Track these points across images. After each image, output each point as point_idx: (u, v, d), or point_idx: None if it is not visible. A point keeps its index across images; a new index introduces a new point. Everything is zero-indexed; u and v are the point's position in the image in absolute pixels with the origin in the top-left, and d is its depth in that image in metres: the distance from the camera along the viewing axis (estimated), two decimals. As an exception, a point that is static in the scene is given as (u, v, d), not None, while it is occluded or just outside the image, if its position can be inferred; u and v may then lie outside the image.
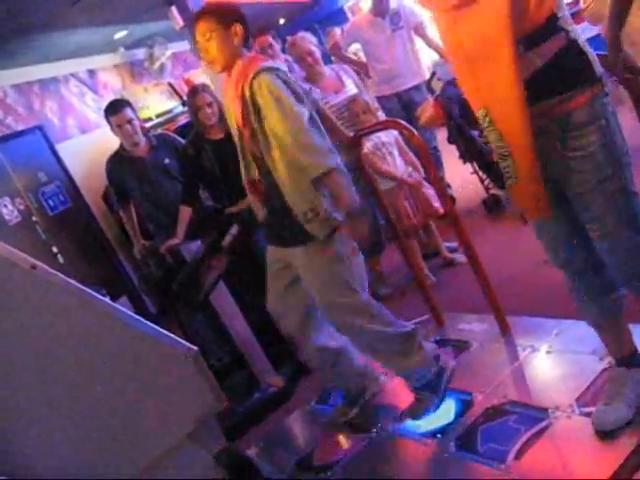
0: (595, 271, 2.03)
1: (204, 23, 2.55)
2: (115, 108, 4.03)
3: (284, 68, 2.62)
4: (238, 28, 2.57)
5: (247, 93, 2.49)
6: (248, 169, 2.70)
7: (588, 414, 2.19)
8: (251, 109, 2.50)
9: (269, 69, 2.50)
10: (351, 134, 3.43)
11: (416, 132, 3.08)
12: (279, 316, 2.86)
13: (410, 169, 4.22)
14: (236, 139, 2.70)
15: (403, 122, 3.18)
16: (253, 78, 2.46)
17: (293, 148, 2.43)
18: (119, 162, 4.15)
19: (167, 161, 4.13)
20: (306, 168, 2.44)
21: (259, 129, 2.51)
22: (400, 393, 2.90)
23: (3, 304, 1.38)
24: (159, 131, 4.78)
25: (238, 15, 2.60)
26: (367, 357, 2.93)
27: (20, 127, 5.79)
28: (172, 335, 1.50)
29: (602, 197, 1.83)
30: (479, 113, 1.83)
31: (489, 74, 1.73)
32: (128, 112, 4.01)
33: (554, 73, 1.75)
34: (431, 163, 3.19)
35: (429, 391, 2.70)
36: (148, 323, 1.46)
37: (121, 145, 4.15)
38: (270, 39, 4.18)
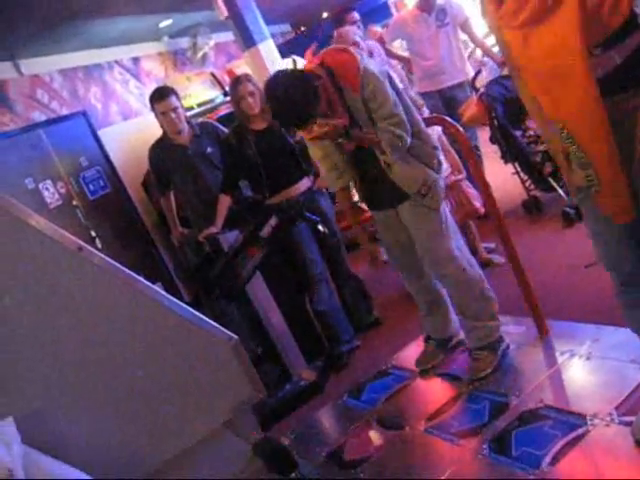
0: None
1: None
2: (161, 95, 4.04)
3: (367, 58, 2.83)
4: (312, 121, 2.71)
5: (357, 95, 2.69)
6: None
7: (628, 423, 2.15)
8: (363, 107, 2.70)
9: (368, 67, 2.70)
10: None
11: (461, 129, 3.04)
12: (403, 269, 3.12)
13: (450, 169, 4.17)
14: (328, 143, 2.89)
15: (448, 119, 3.14)
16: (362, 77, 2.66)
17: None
18: (162, 149, 4.17)
19: (209, 150, 4.14)
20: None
21: (367, 121, 2.72)
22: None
23: (50, 284, 1.39)
24: (200, 120, 4.78)
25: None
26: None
27: (64, 112, 5.87)
28: (213, 322, 1.51)
29: None
30: (556, 126, 1.81)
31: (563, 89, 1.71)
32: (173, 100, 4.02)
33: (632, 67, 1.72)
34: (474, 161, 3.14)
35: (488, 351, 2.90)
36: (190, 309, 1.46)
37: (164, 132, 4.17)
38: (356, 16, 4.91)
